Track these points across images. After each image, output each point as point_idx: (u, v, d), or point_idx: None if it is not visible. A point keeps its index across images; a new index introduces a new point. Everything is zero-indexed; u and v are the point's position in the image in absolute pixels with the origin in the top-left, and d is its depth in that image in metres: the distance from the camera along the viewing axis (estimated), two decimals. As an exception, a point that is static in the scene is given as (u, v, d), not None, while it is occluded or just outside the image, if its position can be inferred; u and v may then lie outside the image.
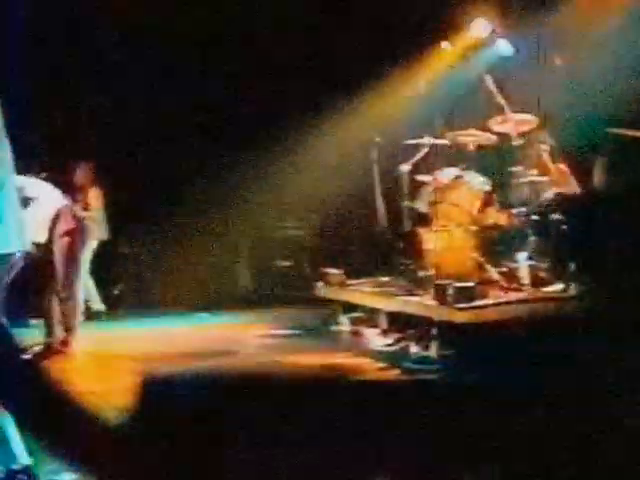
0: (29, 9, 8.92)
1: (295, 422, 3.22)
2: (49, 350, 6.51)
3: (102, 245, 9.12)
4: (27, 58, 8.76)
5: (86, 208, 8.66)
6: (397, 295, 7.05)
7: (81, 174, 8.83)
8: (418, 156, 7.85)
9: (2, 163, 3.69)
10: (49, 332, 6.64)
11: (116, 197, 9.28)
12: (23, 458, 3.60)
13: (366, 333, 7.40)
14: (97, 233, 8.81)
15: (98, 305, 9.01)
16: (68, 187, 7.46)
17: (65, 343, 6.61)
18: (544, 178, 7.28)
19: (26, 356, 4.32)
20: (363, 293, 7.67)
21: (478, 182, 7.41)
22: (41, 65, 9.19)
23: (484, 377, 5.18)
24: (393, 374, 5.95)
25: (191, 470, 3.13)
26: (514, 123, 7.30)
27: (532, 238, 6.99)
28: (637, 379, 4.64)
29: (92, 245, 8.88)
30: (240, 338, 7.57)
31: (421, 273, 7.06)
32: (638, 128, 6.60)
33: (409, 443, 3.44)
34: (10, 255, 3.74)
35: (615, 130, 6.71)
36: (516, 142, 7.31)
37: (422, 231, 7.33)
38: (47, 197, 6.56)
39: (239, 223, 10.41)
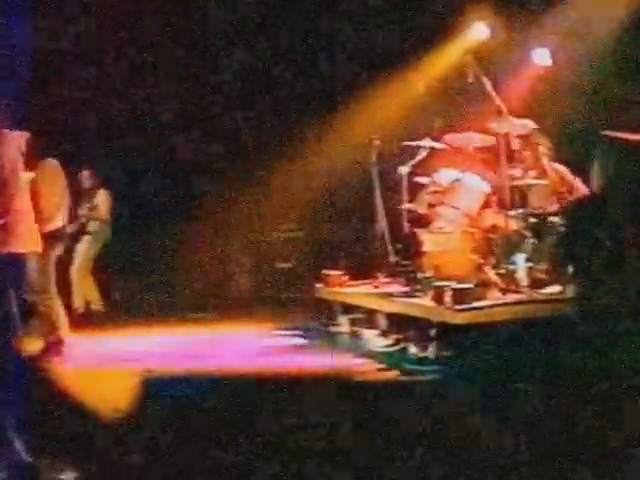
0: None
1: (295, 422, 3.25)
2: (48, 349, 6.53)
3: (103, 246, 9.16)
4: (33, 64, 8.79)
5: (92, 210, 8.73)
6: (396, 296, 7.07)
7: (88, 177, 8.89)
8: (417, 158, 7.88)
9: (10, 163, 3.74)
10: (46, 330, 6.64)
11: (117, 197, 9.31)
12: (25, 457, 3.64)
13: (365, 334, 7.42)
14: (100, 234, 8.89)
15: (98, 306, 9.04)
16: (74, 190, 7.43)
17: (59, 342, 6.61)
18: (542, 180, 7.31)
19: (26, 356, 4.35)
20: (362, 294, 7.69)
21: (477, 184, 7.44)
22: (50, 70, 9.23)
23: (482, 378, 5.22)
24: (392, 375, 5.97)
25: (191, 469, 3.16)
26: (513, 125, 7.34)
27: (530, 240, 7.03)
28: (635, 380, 4.67)
29: (96, 246, 8.95)
30: (240, 339, 7.59)
31: (420, 275, 7.08)
32: (636, 131, 6.62)
33: (409, 443, 3.48)
34: (18, 254, 3.79)
35: (613, 133, 6.72)
36: (514, 144, 7.34)
37: (421, 233, 7.36)
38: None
39: (239, 224, 10.44)
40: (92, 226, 8.82)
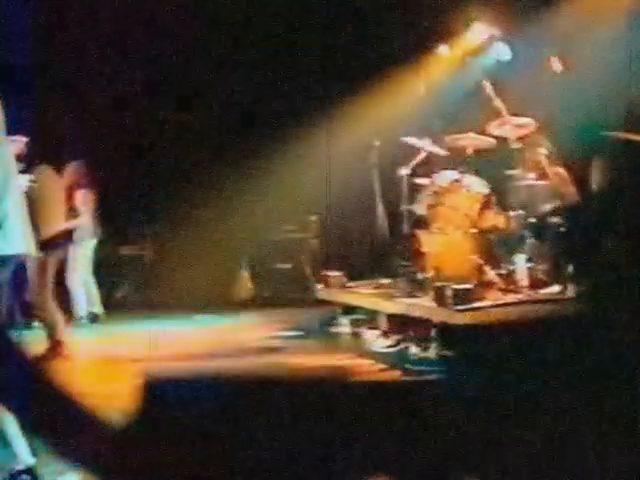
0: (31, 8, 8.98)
1: (295, 423, 3.25)
2: (51, 351, 6.54)
3: (104, 248, 9.17)
4: (26, 58, 8.81)
5: (71, 210, 8.59)
6: (397, 297, 7.08)
7: (70, 175, 8.59)
8: (417, 159, 7.89)
9: (6, 165, 3.75)
10: (49, 333, 6.66)
11: (116, 198, 9.33)
12: (26, 458, 3.65)
13: (366, 335, 7.43)
14: (87, 235, 8.80)
15: (98, 308, 9.05)
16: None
17: (58, 344, 6.61)
18: (542, 181, 7.33)
19: (29, 357, 4.35)
20: (363, 295, 7.70)
21: (476, 185, 7.45)
22: (38, 65, 9.23)
23: (483, 378, 5.23)
24: (393, 375, 5.99)
25: (193, 471, 3.17)
26: (512, 127, 7.35)
27: (530, 240, 7.04)
28: (633, 379, 4.68)
29: (89, 246, 8.94)
30: (241, 340, 7.60)
31: (420, 275, 7.09)
32: (636, 131, 6.64)
33: (409, 443, 3.48)
34: (14, 257, 3.80)
35: (613, 133, 6.75)
36: (514, 146, 7.36)
37: (421, 234, 7.37)
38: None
39: (240, 225, 10.45)
40: (78, 232, 8.70)
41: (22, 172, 6.50)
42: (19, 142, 6.64)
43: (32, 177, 6.53)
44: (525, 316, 6.13)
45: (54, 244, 6.76)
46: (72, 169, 8.74)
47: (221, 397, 3.35)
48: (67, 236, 7.46)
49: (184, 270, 10.27)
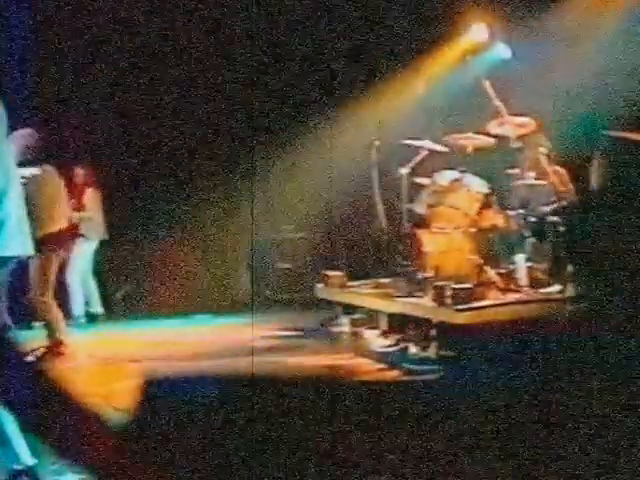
0: (32, 11, 8.98)
1: (295, 423, 3.25)
2: (50, 351, 6.54)
3: (104, 248, 9.18)
4: (28, 58, 8.81)
5: (79, 209, 8.70)
6: (397, 297, 7.08)
7: (78, 175, 8.89)
8: (417, 159, 7.90)
9: (6, 168, 3.75)
10: (49, 333, 6.67)
11: (116, 199, 9.34)
12: (26, 458, 3.64)
13: (366, 334, 7.44)
14: (92, 233, 8.90)
15: (98, 308, 9.05)
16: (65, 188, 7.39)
17: (58, 344, 6.62)
18: (542, 181, 7.33)
19: (28, 357, 4.35)
20: (363, 295, 7.70)
21: (476, 185, 7.45)
22: (42, 65, 9.24)
23: (482, 378, 5.23)
24: (393, 375, 5.99)
25: (192, 471, 3.17)
26: (512, 126, 7.35)
27: (530, 240, 7.05)
28: (635, 378, 4.68)
29: (92, 246, 8.98)
30: (241, 340, 7.60)
31: (420, 275, 7.09)
32: (636, 130, 6.63)
33: (409, 443, 3.48)
34: (13, 258, 3.80)
35: (613, 132, 6.74)
36: (514, 145, 7.36)
37: (421, 233, 7.37)
38: None
39: (239, 225, 10.44)
40: (84, 227, 8.80)
41: (21, 173, 6.51)
42: (29, 135, 6.52)
43: (30, 176, 6.52)
44: (525, 316, 6.13)
45: (58, 242, 6.77)
46: (80, 169, 8.88)
47: (220, 397, 3.34)
48: (72, 233, 7.49)
49: (184, 270, 10.26)
